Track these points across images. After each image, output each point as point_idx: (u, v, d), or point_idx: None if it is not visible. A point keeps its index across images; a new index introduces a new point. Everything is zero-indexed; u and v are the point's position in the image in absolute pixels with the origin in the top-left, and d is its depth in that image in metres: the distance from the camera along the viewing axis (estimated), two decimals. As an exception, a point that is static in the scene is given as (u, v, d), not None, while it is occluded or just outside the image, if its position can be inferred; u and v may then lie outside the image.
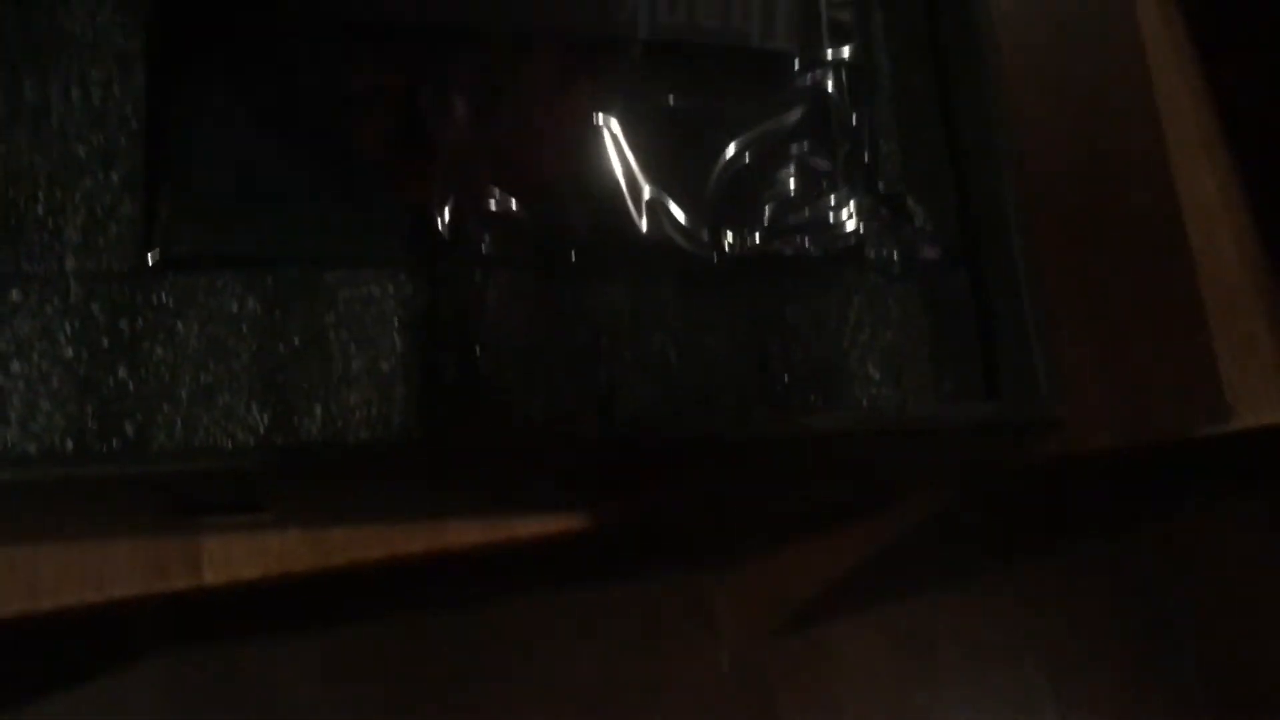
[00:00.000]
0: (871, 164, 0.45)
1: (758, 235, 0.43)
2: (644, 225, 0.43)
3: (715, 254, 0.43)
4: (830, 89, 0.46)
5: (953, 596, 1.23)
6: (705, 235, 0.43)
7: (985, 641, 1.22)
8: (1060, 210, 0.48)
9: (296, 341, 0.42)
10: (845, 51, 0.46)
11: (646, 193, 0.43)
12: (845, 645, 1.22)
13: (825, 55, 0.46)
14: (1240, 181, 0.50)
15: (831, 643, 1.22)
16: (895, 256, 0.44)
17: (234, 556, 0.45)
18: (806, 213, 0.44)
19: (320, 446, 0.40)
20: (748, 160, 0.44)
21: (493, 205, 0.43)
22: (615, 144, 0.44)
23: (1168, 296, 0.48)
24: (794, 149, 0.45)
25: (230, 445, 0.40)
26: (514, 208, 0.43)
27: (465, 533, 0.46)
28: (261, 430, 0.41)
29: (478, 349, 0.42)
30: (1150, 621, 1.21)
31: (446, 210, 0.43)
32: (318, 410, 0.41)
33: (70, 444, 0.39)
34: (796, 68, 0.46)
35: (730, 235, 0.43)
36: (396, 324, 0.42)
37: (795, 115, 0.45)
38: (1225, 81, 0.52)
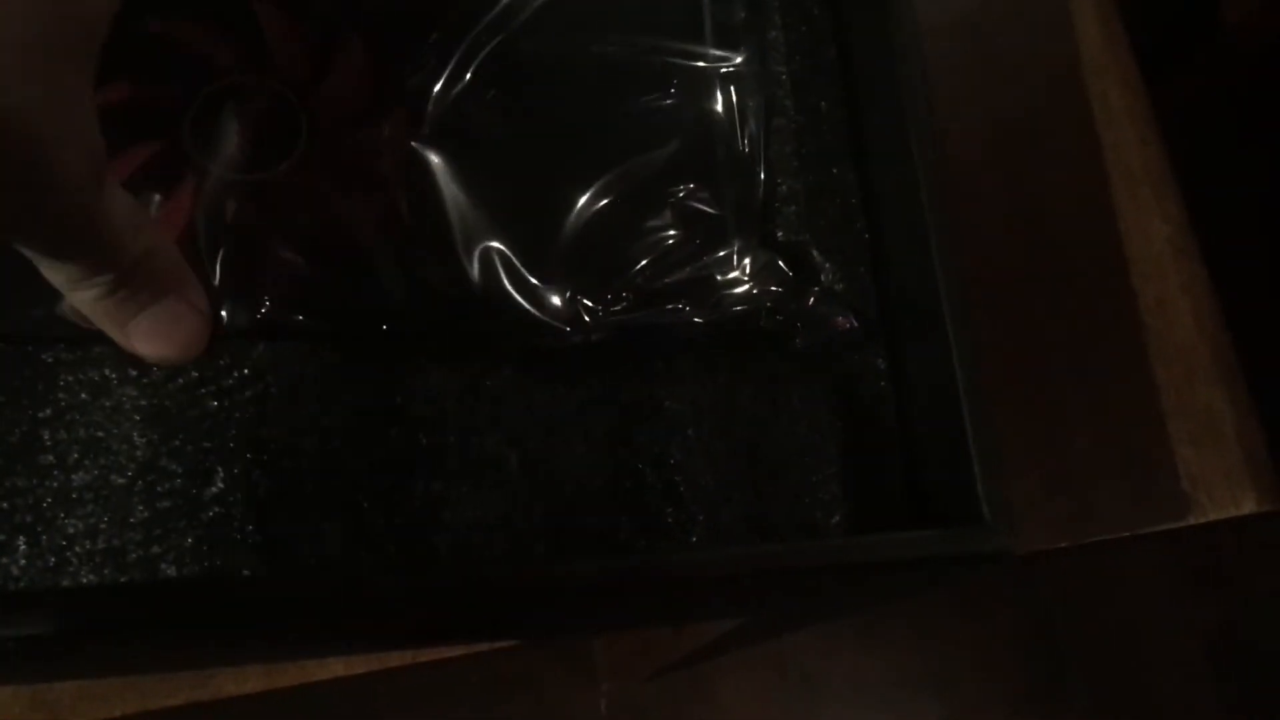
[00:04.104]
0: (767, 206, 0.36)
1: (624, 299, 0.34)
2: (477, 286, 0.33)
3: (569, 325, 0.33)
4: (716, 110, 0.36)
5: (844, 630, 1.17)
6: (557, 300, 0.33)
7: (877, 677, 1.16)
8: (988, 265, 0.40)
9: (-5, 447, 0.31)
10: (734, 62, 0.37)
11: (480, 243, 0.33)
12: (730, 682, 1.15)
13: (709, 66, 0.36)
14: (1191, 223, 0.42)
15: (716, 679, 1.15)
16: (798, 326, 0.34)
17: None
18: (685, 270, 0.34)
19: (22, 597, 0.29)
20: (611, 201, 0.34)
21: (275, 259, 0.32)
22: (441, 179, 0.34)
23: (1114, 365, 0.40)
24: (670, 187, 0.35)
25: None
26: (303, 263, 0.33)
27: (242, 680, 0.35)
28: (-61, 573, 0.29)
29: (249, 455, 0.31)
30: (1045, 657, 1.17)
31: (213, 265, 0.32)
32: (21, 544, 0.30)
33: None
34: (674, 83, 0.36)
35: (589, 300, 0.33)
36: (138, 420, 0.31)
37: (671, 144, 0.35)
38: (1173, 111, 0.45)
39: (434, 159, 0.34)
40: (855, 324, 0.35)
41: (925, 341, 0.33)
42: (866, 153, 0.37)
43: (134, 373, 0.32)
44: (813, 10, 0.39)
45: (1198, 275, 0.42)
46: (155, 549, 0.30)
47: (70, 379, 0.31)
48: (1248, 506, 0.39)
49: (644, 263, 0.34)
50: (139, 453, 0.31)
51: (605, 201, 0.34)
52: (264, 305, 0.32)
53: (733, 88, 0.36)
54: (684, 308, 0.34)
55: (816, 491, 0.33)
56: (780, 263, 0.35)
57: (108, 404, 0.31)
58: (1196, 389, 0.40)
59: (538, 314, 0.33)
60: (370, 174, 0.34)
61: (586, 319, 0.33)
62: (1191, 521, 0.39)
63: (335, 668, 0.36)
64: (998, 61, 0.44)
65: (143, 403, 0.31)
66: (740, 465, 0.34)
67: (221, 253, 0.32)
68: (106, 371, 0.31)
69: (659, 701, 1.14)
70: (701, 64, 0.36)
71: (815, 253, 0.36)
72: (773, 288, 0.34)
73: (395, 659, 0.36)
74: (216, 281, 0.32)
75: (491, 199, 0.34)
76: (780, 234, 0.36)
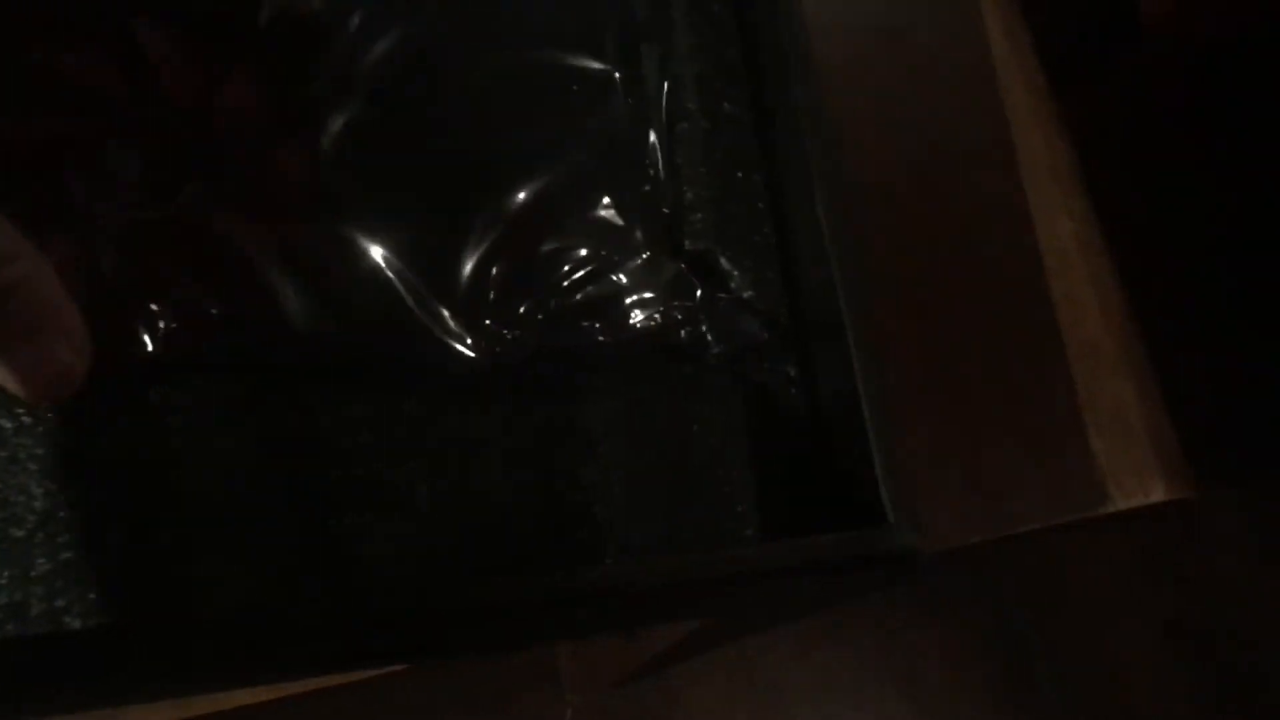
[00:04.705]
0: (674, 215, 0.36)
1: (536, 321, 0.33)
2: (386, 314, 0.32)
3: (480, 351, 0.33)
4: (620, 118, 0.36)
5: (809, 631, 1.17)
6: (466, 326, 0.33)
7: (844, 678, 1.16)
8: (900, 265, 0.40)
9: (-116, 506, 0.30)
10: (637, 67, 0.36)
11: (387, 269, 0.33)
12: (697, 688, 1.14)
13: (612, 72, 0.36)
14: (1097, 220, 0.43)
15: (683, 687, 1.14)
16: (709, 338, 0.34)
17: None
18: (594, 286, 0.34)
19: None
20: (519, 219, 0.34)
21: (174, 297, 0.31)
22: (344, 205, 0.33)
23: (1025, 360, 0.41)
24: (576, 200, 0.35)
25: None
26: (205, 298, 0.32)
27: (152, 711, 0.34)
28: None
29: (153, 500, 0.31)
30: (1011, 652, 1.18)
31: (107, 306, 0.31)
32: (-81, 605, 0.29)
33: None
34: (574, 91, 0.35)
35: (499, 324, 0.33)
36: (34, 470, 0.30)
37: (576, 155, 0.35)
38: (1077, 112, 0.45)
39: (336, 184, 0.33)
40: (766, 334, 0.35)
41: (829, 347, 0.33)
42: (770, 156, 0.37)
43: (28, 420, 0.31)
44: (713, 8, 0.38)
45: (1105, 269, 0.43)
46: (59, 602, 0.30)
47: (-39, 432, 0.30)
48: (1157, 495, 0.39)
49: (552, 281, 0.34)
50: (37, 504, 0.30)
51: (512, 220, 0.34)
52: (164, 344, 0.31)
53: (636, 95, 0.36)
54: (595, 325, 0.34)
55: (731, 503, 0.34)
56: (690, 274, 0.35)
57: (3, 454, 0.30)
58: (1105, 382, 0.41)
59: (448, 341, 0.32)
60: (272, 203, 0.33)
61: (497, 347, 0.33)
62: (1103, 512, 0.40)
63: (260, 693, 0.36)
64: (909, 62, 0.44)
65: (39, 452, 0.30)
66: (654, 481, 0.33)
67: (116, 292, 0.31)
68: (1, 421, 0.30)
69: (625, 711, 1.13)
70: (603, 69, 0.35)
71: (724, 260, 0.36)
72: (683, 301, 0.34)
73: (339, 678, 0.35)
74: (112, 323, 0.31)
75: (396, 224, 0.33)
76: (688, 243, 0.36)
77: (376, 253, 0.33)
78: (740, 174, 0.37)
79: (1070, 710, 1.15)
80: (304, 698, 0.37)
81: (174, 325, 0.31)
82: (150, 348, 0.31)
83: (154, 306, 0.31)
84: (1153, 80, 1.02)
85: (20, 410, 0.31)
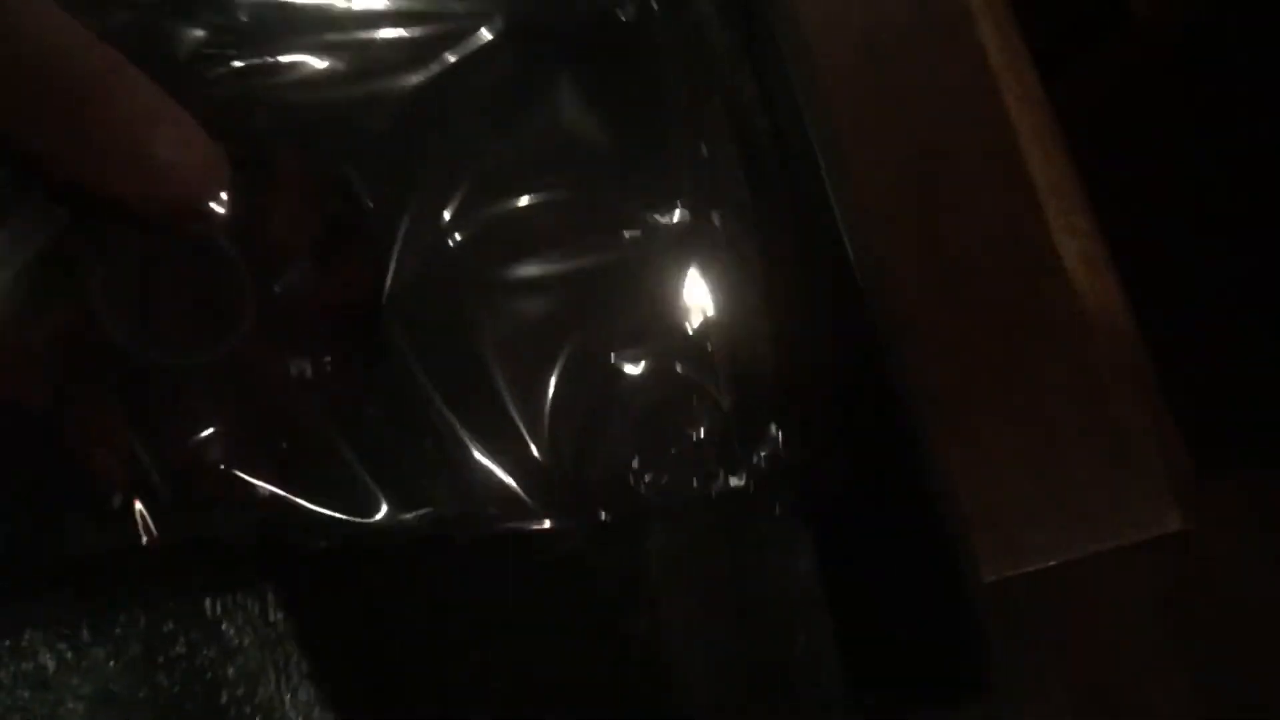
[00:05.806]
0: (723, 368, 0.34)
1: (620, 486, 0.31)
2: (437, 488, 0.30)
3: (577, 521, 0.30)
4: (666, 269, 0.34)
5: None
6: (535, 489, 0.30)
7: None
8: (902, 297, 0.38)
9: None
10: (675, 216, 0.35)
11: (453, 430, 0.30)
12: None
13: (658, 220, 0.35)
14: (1102, 236, 0.42)
15: None
16: (778, 489, 0.34)
17: None
18: (668, 443, 0.32)
19: None
20: (583, 373, 0.32)
21: (217, 467, 0.28)
22: (406, 351, 0.30)
23: (1032, 389, 0.39)
24: (636, 354, 0.33)
25: None
26: (257, 470, 0.28)
27: None
28: None
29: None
30: (1002, 624, 1.15)
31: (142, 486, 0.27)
32: None
33: None
34: (625, 238, 0.34)
35: (592, 489, 0.31)
36: (83, 712, 0.27)
37: (624, 305, 0.33)
38: (1078, 105, 0.44)
39: (398, 323, 0.29)
40: (832, 485, 0.34)
41: (905, 500, 0.32)
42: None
43: (71, 655, 0.27)
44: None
45: (1111, 288, 0.42)
46: None
47: (4, 674, 0.26)
48: (1172, 525, 0.38)
49: (638, 439, 0.32)
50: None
51: (576, 375, 0.32)
52: (208, 526, 0.28)
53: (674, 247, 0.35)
54: (666, 480, 0.32)
55: (818, 667, 0.33)
56: (747, 426, 0.34)
57: (50, 698, 0.27)
58: (1115, 407, 0.40)
59: (547, 512, 0.30)
60: (323, 347, 0.29)
61: (595, 515, 0.31)
62: (1115, 544, 0.38)
63: None
64: (899, 86, 0.42)
65: (86, 690, 0.27)
66: (732, 645, 0.32)
67: (150, 463, 0.27)
68: (42, 659, 0.27)
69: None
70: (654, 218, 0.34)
71: (775, 409, 0.34)
72: (745, 452, 0.33)
73: None
74: (150, 512, 0.27)
75: (467, 375, 0.30)
76: (738, 393, 0.34)
77: (450, 410, 0.30)
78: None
79: (1059, 683, 1.14)
80: None
81: (224, 508, 0.28)
82: (191, 533, 0.28)
83: (194, 484, 0.28)
84: (1142, 68, 0.99)
85: (62, 645, 0.27)
